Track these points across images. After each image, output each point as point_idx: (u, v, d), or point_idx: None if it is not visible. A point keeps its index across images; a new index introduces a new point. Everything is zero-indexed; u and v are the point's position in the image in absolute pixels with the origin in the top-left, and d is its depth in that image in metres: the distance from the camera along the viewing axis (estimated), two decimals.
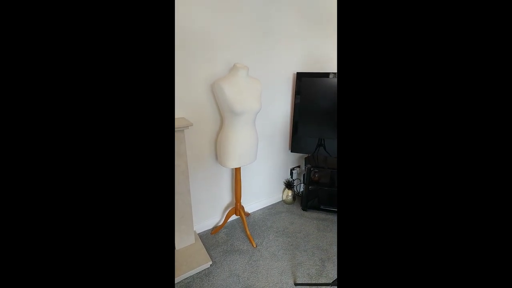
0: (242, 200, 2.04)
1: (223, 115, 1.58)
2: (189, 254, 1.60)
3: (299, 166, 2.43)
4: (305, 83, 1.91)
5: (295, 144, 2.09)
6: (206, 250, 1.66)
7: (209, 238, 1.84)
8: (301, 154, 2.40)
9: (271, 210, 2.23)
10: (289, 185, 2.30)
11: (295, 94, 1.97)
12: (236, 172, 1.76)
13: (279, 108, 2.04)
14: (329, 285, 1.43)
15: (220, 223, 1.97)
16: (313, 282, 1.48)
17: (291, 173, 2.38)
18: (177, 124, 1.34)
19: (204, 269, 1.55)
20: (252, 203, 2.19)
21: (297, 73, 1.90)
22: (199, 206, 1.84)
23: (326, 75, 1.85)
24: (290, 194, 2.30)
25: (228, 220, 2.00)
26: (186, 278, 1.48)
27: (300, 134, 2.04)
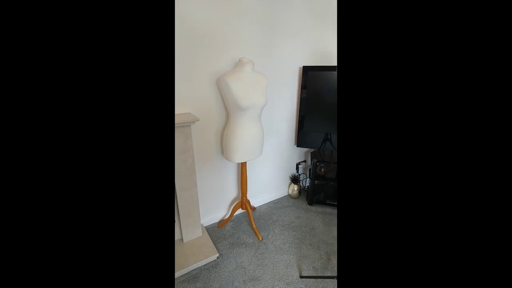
0: (248, 194, 2.06)
1: (229, 110, 1.58)
2: (196, 247, 1.64)
3: (305, 161, 2.43)
4: (311, 77, 1.88)
5: (301, 139, 2.08)
6: (213, 242, 1.70)
7: (216, 231, 1.87)
8: (307, 149, 2.39)
9: (277, 204, 2.24)
10: (295, 179, 2.31)
11: (301, 88, 1.95)
12: (242, 167, 1.77)
13: (285, 102, 2.03)
14: (334, 278, 1.44)
15: (227, 217, 2.00)
16: (319, 275, 1.50)
17: (297, 168, 2.38)
18: (183, 119, 1.35)
19: (211, 261, 1.58)
20: (258, 197, 2.21)
21: (303, 66, 1.88)
22: (206, 200, 1.87)
23: (333, 68, 1.82)
24: (296, 189, 2.30)
25: (234, 214, 2.03)
26: (194, 269, 1.52)
27: (306, 129, 2.03)
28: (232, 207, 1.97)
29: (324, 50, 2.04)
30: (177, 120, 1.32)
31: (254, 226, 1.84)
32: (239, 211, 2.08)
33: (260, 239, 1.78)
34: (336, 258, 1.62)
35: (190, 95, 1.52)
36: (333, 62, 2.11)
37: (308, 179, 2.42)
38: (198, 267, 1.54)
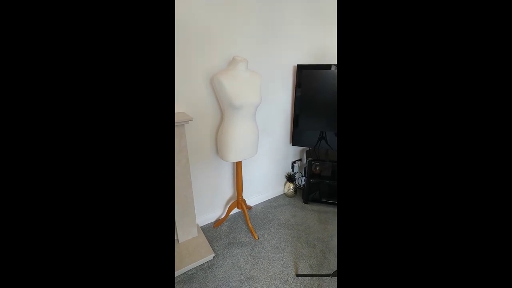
0: (243, 194, 2.05)
1: (223, 109, 1.57)
2: (192, 247, 1.63)
3: (300, 159, 2.43)
4: (306, 76, 1.88)
5: (296, 138, 2.09)
6: (209, 242, 1.69)
7: (212, 231, 1.86)
8: (302, 148, 2.40)
9: (272, 203, 2.24)
10: (290, 178, 2.31)
11: (296, 87, 1.95)
12: (237, 166, 1.77)
13: (280, 101, 2.02)
14: (330, 276, 1.45)
15: (222, 216, 2.00)
16: (315, 273, 1.50)
17: (292, 167, 2.38)
18: (177, 119, 1.34)
19: (207, 261, 1.58)
20: (254, 197, 2.20)
21: (298, 65, 1.88)
22: (201, 200, 1.86)
23: (328, 67, 1.83)
24: (291, 187, 2.31)
25: (230, 213, 2.03)
26: (190, 270, 1.51)
27: (301, 127, 2.03)
28: (228, 206, 1.97)
29: (319, 49, 2.05)
30: None
31: (250, 225, 1.83)
32: (235, 210, 2.07)
33: (256, 238, 1.78)
34: (332, 256, 1.63)
35: (183, 94, 1.50)
36: (328, 60, 2.12)
37: (303, 177, 2.42)
38: (194, 268, 1.53)
